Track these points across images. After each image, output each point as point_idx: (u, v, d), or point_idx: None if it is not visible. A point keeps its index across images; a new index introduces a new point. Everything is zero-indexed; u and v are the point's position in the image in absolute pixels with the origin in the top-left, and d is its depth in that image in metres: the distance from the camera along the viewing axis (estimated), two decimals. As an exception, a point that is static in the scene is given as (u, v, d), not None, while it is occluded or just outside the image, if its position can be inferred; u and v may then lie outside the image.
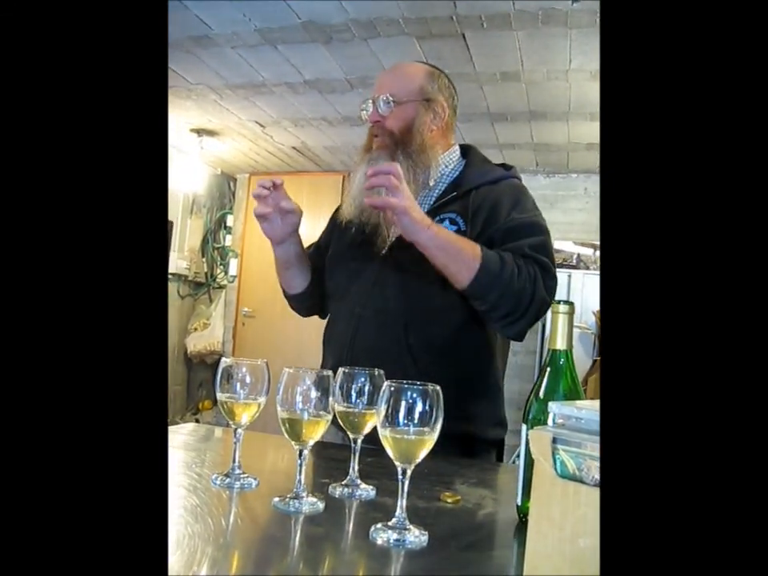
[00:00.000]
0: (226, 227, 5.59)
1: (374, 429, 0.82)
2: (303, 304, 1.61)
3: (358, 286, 1.42)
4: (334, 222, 1.59)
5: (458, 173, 1.48)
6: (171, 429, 1.42)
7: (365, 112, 1.47)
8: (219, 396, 0.96)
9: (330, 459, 1.15)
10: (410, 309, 1.35)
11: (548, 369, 0.85)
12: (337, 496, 0.91)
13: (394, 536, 0.74)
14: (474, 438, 1.35)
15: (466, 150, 1.55)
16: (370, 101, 1.45)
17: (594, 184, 4.63)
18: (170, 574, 0.60)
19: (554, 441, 0.62)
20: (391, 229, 1.41)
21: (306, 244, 1.56)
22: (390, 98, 1.42)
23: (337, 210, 1.62)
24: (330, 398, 0.86)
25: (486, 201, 1.38)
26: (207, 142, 4.48)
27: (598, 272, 3.61)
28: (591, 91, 3.22)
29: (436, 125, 1.46)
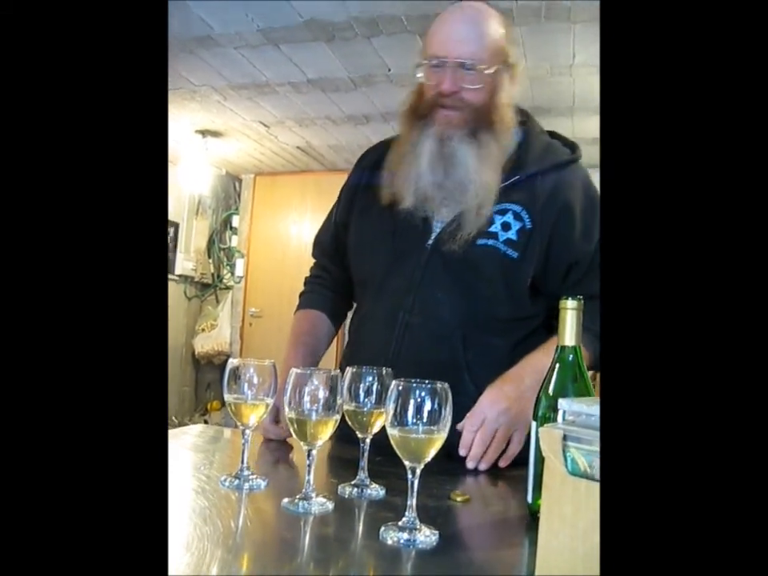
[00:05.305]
0: (231, 228, 5.60)
1: (383, 428, 0.81)
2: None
3: (397, 282, 1.19)
4: (352, 199, 1.32)
5: (515, 143, 1.23)
6: (180, 430, 1.42)
7: (421, 75, 1.16)
8: (227, 397, 0.95)
9: (338, 459, 1.14)
10: (470, 317, 1.16)
11: (557, 365, 0.84)
12: (346, 496, 0.90)
13: (404, 536, 0.73)
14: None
15: (524, 117, 1.26)
16: (434, 61, 1.14)
17: (598, 179, 4.61)
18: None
19: (565, 438, 0.61)
20: (436, 216, 1.19)
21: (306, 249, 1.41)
22: (477, 65, 1.11)
23: (352, 189, 1.33)
24: (338, 398, 0.86)
25: (556, 197, 1.16)
26: (212, 142, 4.49)
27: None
28: (595, 86, 3.20)
29: (512, 93, 1.19)
